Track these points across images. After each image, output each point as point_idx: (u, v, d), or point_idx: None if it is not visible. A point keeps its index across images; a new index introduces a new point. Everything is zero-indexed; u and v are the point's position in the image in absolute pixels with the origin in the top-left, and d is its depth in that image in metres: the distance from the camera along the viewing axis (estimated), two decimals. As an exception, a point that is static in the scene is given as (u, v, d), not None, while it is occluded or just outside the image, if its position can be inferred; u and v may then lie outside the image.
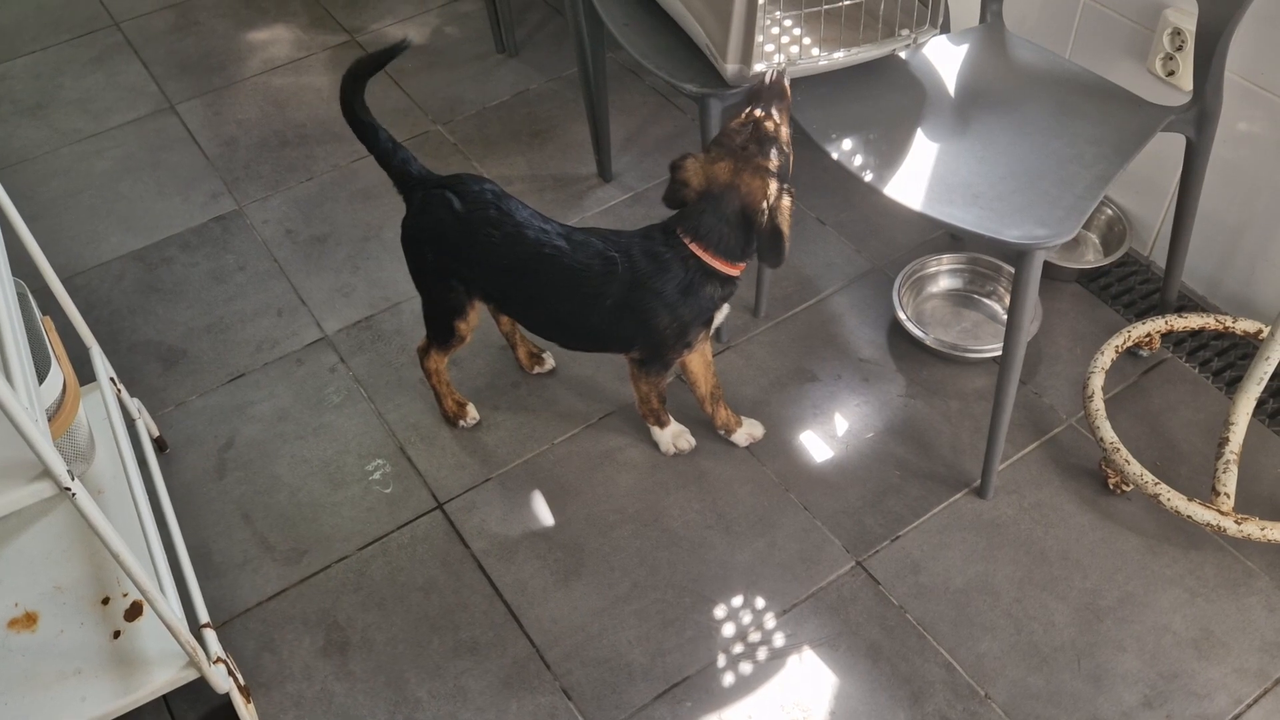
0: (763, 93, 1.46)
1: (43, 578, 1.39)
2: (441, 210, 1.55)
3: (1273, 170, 1.69)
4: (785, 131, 1.46)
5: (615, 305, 1.52)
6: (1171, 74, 1.75)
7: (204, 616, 1.41)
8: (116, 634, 1.34)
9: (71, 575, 1.39)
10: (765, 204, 1.43)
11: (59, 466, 0.99)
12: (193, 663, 1.28)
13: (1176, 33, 1.70)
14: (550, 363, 1.91)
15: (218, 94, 2.60)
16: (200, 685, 1.37)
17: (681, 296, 1.50)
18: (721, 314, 1.58)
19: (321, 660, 1.56)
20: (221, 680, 1.34)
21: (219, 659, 1.36)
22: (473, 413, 1.84)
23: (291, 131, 2.47)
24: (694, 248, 1.49)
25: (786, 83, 1.46)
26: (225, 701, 1.45)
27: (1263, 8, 1.58)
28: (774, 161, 1.44)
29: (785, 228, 1.43)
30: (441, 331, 1.68)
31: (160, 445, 1.82)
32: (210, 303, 2.09)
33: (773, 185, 1.43)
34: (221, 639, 1.43)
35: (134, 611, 1.36)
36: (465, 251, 1.56)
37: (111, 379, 1.63)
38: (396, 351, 1.97)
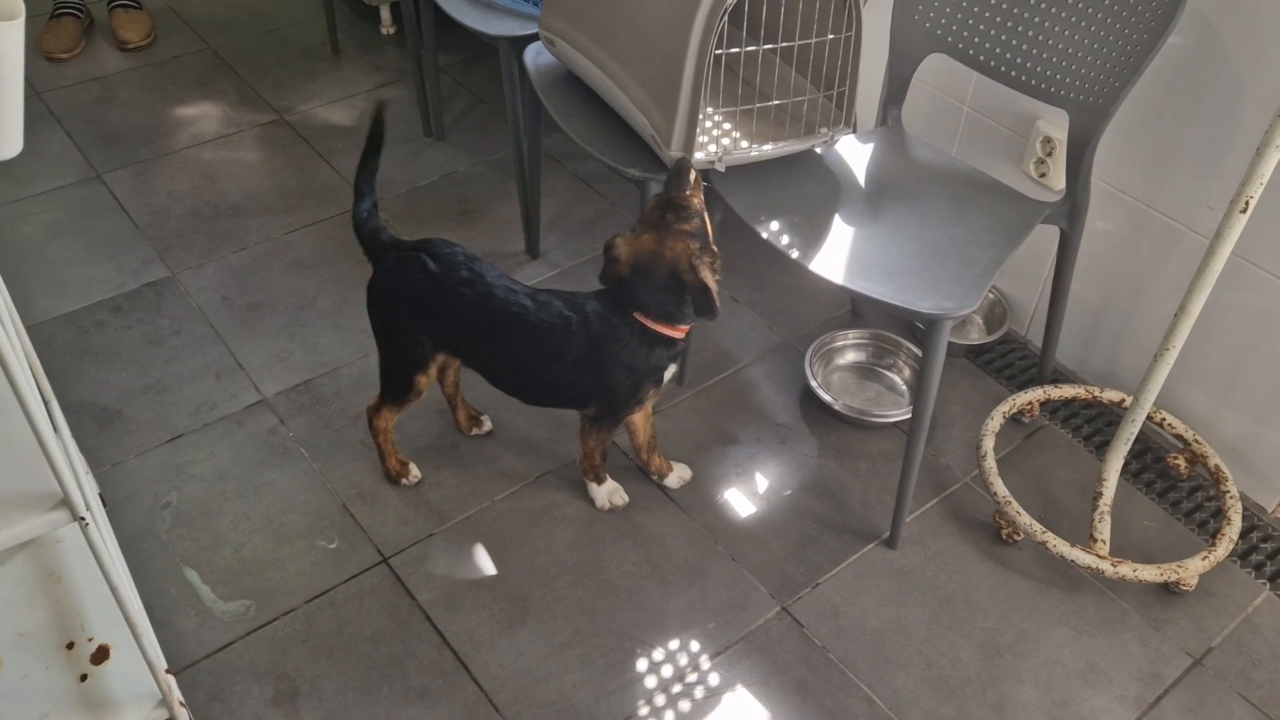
0: (671, 176, 1.63)
1: (4, 625, 1.39)
2: (416, 270, 1.66)
3: (1129, 261, 1.96)
4: (698, 200, 1.63)
5: (574, 362, 1.65)
6: (1043, 175, 2.01)
7: (162, 664, 1.44)
8: (83, 677, 1.36)
9: (34, 622, 1.40)
10: (689, 262, 1.58)
11: (77, 496, 1.05)
12: (165, 703, 1.32)
13: (1047, 140, 1.97)
14: (488, 425, 2.01)
15: (146, 165, 2.64)
16: (159, 731, 1.40)
17: (633, 358, 1.64)
18: (670, 371, 1.72)
19: (272, 709, 1.59)
20: (186, 723, 1.37)
21: (182, 703, 1.38)
22: (415, 471, 1.92)
23: (223, 203, 2.53)
24: (637, 316, 1.63)
25: (691, 166, 1.63)
26: (180, 750, 1.47)
27: (1122, 124, 1.85)
28: (690, 224, 1.60)
29: (710, 282, 1.58)
30: (400, 387, 1.77)
31: (100, 502, 1.83)
32: (146, 365, 2.12)
33: (693, 244, 1.59)
34: (176, 687, 1.46)
35: (100, 655, 1.38)
36: (438, 309, 1.67)
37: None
38: (336, 414, 2.04)
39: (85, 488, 1.05)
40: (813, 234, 1.69)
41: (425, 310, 1.68)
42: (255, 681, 1.62)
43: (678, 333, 1.65)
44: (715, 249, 1.62)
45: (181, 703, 1.38)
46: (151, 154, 2.68)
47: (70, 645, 1.39)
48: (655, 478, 1.93)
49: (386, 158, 2.68)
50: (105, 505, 1.84)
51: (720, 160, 1.70)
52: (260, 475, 1.93)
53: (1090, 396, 2.02)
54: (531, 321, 1.63)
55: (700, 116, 1.77)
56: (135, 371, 2.11)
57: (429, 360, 1.74)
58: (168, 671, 1.42)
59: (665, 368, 1.69)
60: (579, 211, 2.57)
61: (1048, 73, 1.71)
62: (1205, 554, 1.75)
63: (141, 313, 2.24)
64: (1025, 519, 1.79)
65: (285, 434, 2.00)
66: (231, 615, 1.70)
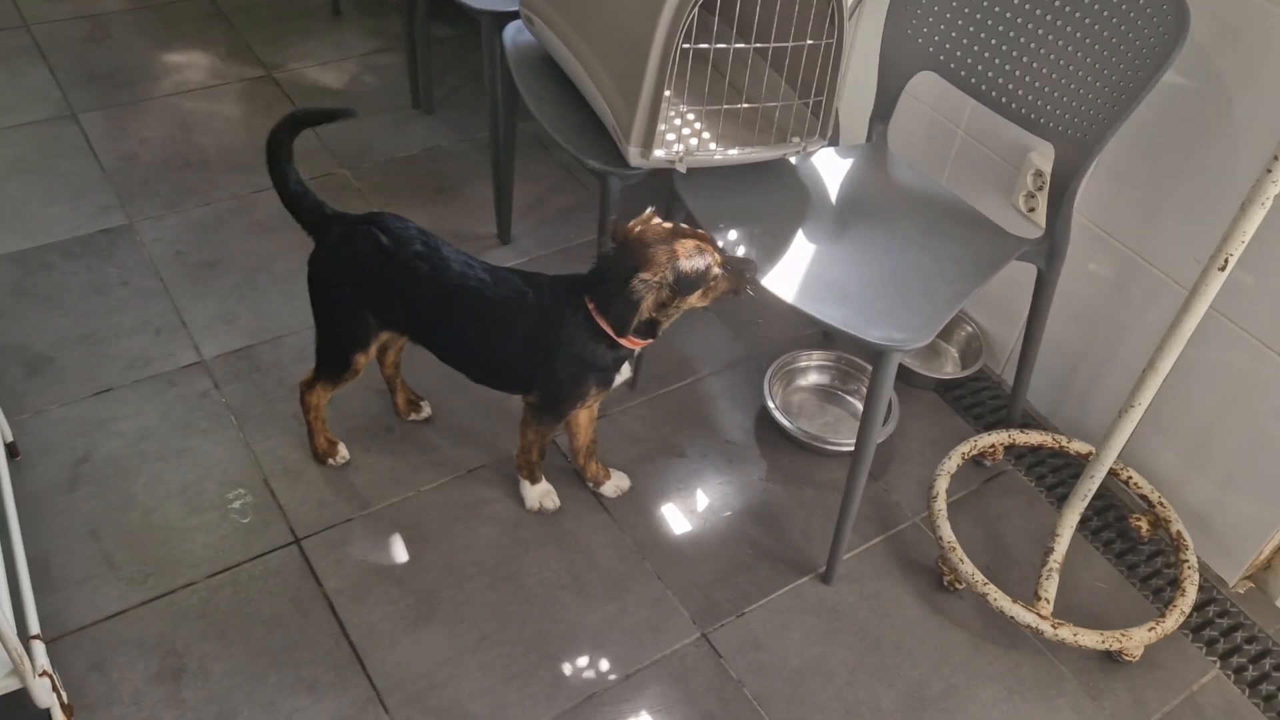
0: (734, 260, 1.52)
1: None
2: (366, 244, 1.58)
3: (1111, 307, 1.86)
4: (722, 281, 1.51)
5: (523, 340, 1.58)
6: (1032, 210, 1.92)
7: (34, 628, 1.37)
8: (-62, 636, 1.29)
9: (-104, 572, 1.34)
10: (654, 278, 1.46)
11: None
12: (16, 671, 1.25)
13: (1038, 173, 1.87)
14: (427, 411, 1.93)
15: (124, 109, 2.58)
16: (21, 699, 1.33)
17: (577, 345, 1.56)
18: (621, 376, 1.64)
19: (153, 686, 1.52)
20: (45, 695, 1.30)
21: (44, 672, 1.31)
22: (343, 452, 1.84)
23: (195, 155, 2.46)
24: (588, 302, 1.55)
25: (753, 271, 1.52)
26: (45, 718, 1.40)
27: (1114, 161, 1.75)
28: (692, 270, 1.47)
29: (644, 307, 1.47)
30: (337, 365, 1.69)
31: (12, 451, 1.77)
32: (87, 313, 2.05)
33: (669, 278, 1.47)
34: (50, 654, 1.39)
35: (-40, 614, 1.31)
36: (387, 283, 1.59)
37: (-29, 376, 1.58)
38: (273, 384, 1.96)
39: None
40: (771, 247, 1.60)
41: (373, 285, 1.61)
42: (141, 655, 1.55)
43: (621, 339, 1.57)
44: (681, 304, 1.51)
45: (44, 672, 1.31)
46: (131, 98, 2.61)
47: (-70, 601, 1.32)
48: (591, 485, 1.85)
49: (369, 125, 2.64)
50: (16, 455, 1.78)
51: (680, 161, 1.61)
52: (184, 439, 1.86)
53: (1057, 446, 1.93)
54: (488, 296, 1.56)
55: (670, 112, 1.69)
56: (75, 319, 2.04)
57: (371, 338, 1.67)
58: (35, 638, 1.35)
59: (610, 369, 1.61)
60: (557, 199, 2.48)
61: (1036, 101, 1.62)
62: (1153, 625, 1.66)
63: (92, 259, 2.17)
64: (968, 567, 1.70)
65: (217, 399, 1.93)
66: (127, 582, 1.64)
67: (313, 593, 1.66)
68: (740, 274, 1.52)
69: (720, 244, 1.52)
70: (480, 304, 1.58)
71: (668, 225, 1.52)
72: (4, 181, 2.32)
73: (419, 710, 1.53)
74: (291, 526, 1.74)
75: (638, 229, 1.52)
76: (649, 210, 1.56)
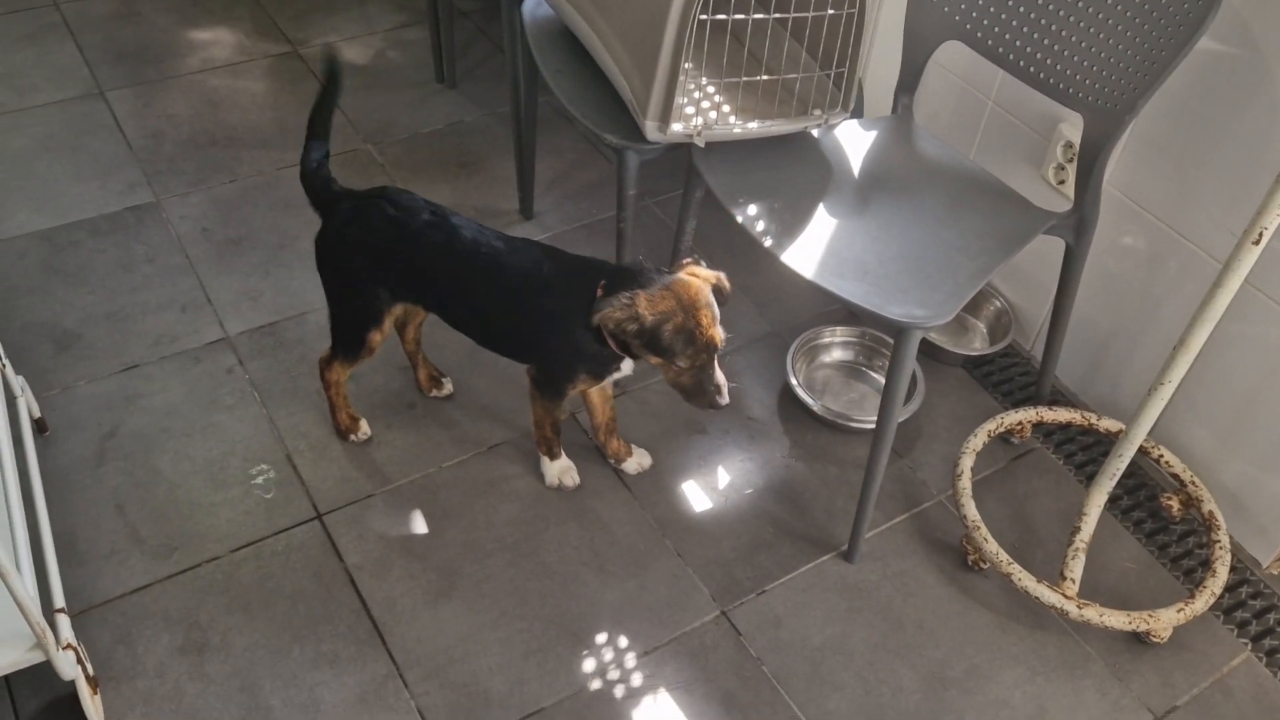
0: (704, 373, 1.53)
1: (-107, 545, 1.35)
2: (375, 218, 1.59)
3: (1145, 281, 1.82)
4: (684, 375, 1.52)
5: (530, 310, 1.58)
6: (1062, 182, 1.87)
7: (59, 601, 1.39)
8: (-36, 609, 1.31)
9: (-76, 546, 1.36)
10: (634, 308, 1.44)
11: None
12: (40, 645, 1.26)
13: (1069, 145, 1.83)
14: (448, 388, 1.93)
15: (150, 86, 2.59)
16: (46, 671, 1.35)
17: (574, 332, 1.55)
18: (620, 372, 1.63)
19: (177, 659, 1.54)
20: (69, 667, 1.32)
21: (69, 645, 1.33)
22: (365, 428, 1.85)
23: (221, 132, 2.47)
24: (600, 289, 1.54)
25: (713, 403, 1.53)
26: (71, 691, 1.42)
27: (1146, 131, 1.71)
28: (673, 338, 1.46)
29: (610, 322, 1.45)
30: (352, 343, 1.70)
31: (40, 426, 1.79)
32: (113, 290, 2.07)
33: (647, 321, 1.44)
34: (76, 628, 1.41)
35: (-15, 588, 1.33)
36: (399, 255, 1.60)
37: (-3, 353, 1.60)
38: (297, 360, 1.97)
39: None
40: (792, 222, 1.58)
41: (385, 259, 1.61)
42: (165, 628, 1.57)
43: (616, 350, 1.56)
44: (641, 352, 1.50)
45: (69, 645, 1.33)
46: (158, 75, 2.62)
47: (-44, 575, 1.34)
48: (613, 461, 1.84)
49: (392, 100, 2.63)
50: (45, 430, 1.80)
51: (699, 135, 1.59)
52: (209, 415, 1.87)
53: (1086, 423, 1.89)
54: (502, 262, 1.56)
55: (689, 85, 1.67)
56: (102, 296, 2.06)
57: (384, 314, 1.67)
58: (60, 611, 1.37)
59: (600, 363, 1.60)
60: (581, 174, 2.47)
61: (1066, 70, 1.57)
62: (1182, 605, 1.63)
63: (119, 236, 2.19)
64: (993, 547, 1.67)
65: (242, 375, 1.94)
66: (153, 556, 1.65)
67: (334, 568, 1.67)
68: (702, 390, 1.51)
69: (720, 348, 1.50)
70: (493, 269, 1.58)
71: (699, 291, 1.47)
72: (33, 160, 2.34)
73: (439, 685, 1.54)
74: (314, 502, 1.75)
75: (684, 275, 1.48)
76: (694, 259, 1.53)
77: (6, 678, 1.47)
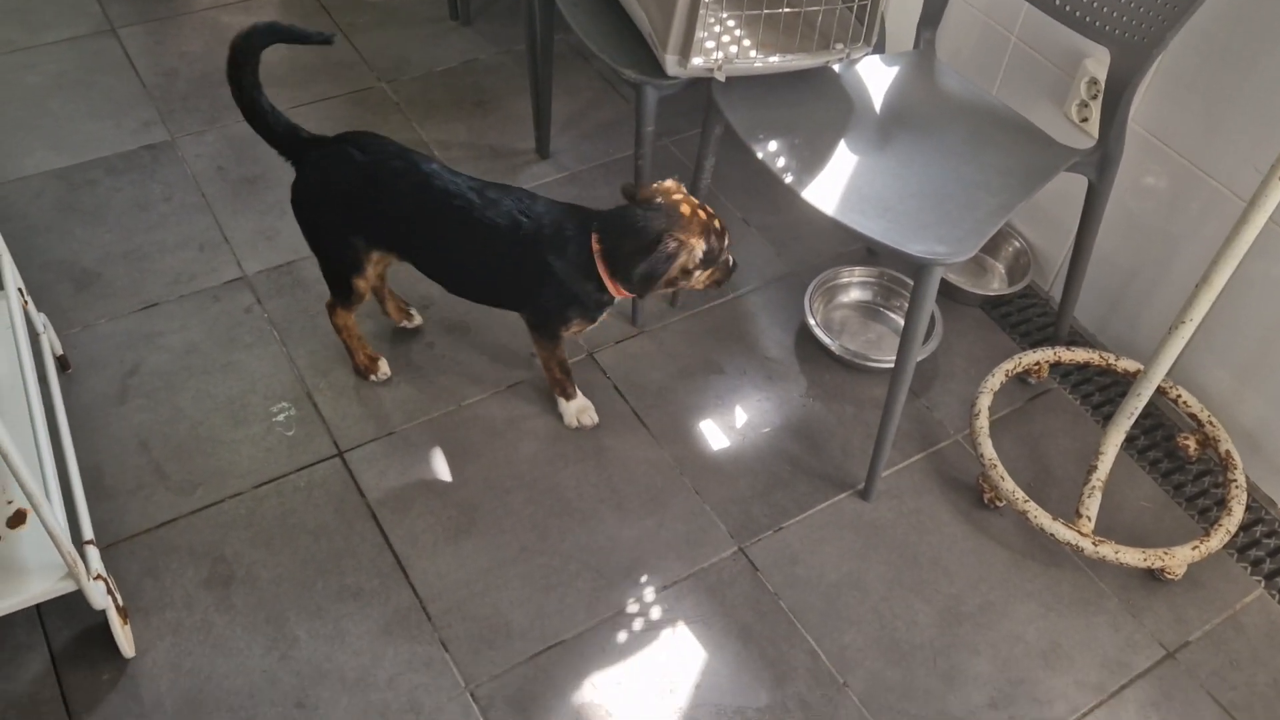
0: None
1: (-74, 479, 1.38)
2: (343, 164, 1.57)
3: (1166, 221, 1.80)
4: (719, 270, 1.62)
5: (514, 264, 1.57)
6: (1085, 120, 1.85)
7: (88, 534, 1.41)
8: (-4, 540, 1.33)
9: (-45, 479, 1.38)
10: (687, 247, 1.51)
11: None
12: (71, 574, 1.29)
13: (1093, 81, 1.80)
14: (418, 319, 1.94)
15: (163, 23, 2.57)
16: (77, 603, 1.38)
17: (568, 280, 1.57)
18: (603, 315, 1.67)
19: (204, 591, 1.57)
20: (99, 597, 1.35)
21: (99, 576, 1.36)
22: (384, 368, 1.86)
23: (234, 70, 2.45)
24: (594, 238, 1.55)
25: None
26: (100, 622, 1.46)
27: (1172, 67, 1.68)
28: (713, 248, 1.55)
29: (674, 265, 1.51)
30: (342, 289, 1.70)
31: (63, 364, 1.81)
32: (131, 229, 2.07)
33: (699, 250, 1.53)
34: (105, 560, 1.43)
35: (17, 519, 1.36)
36: (370, 202, 1.58)
37: (20, 290, 1.61)
38: (315, 299, 1.98)
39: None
40: (812, 159, 1.57)
41: (356, 206, 1.59)
42: (192, 561, 1.60)
43: (611, 287, 1.58)
44: (692, 277, 1.58)
45: (99, 576, 1.36)
46: (170, 12, 2.60)
47: (-11, 506, 1.36)
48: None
49: (407, 36, 2.60)
50: (68, 369, 1.82)
51: (719, 69, 1.57)
52: (229, 354, 1.88)
53: (1104, 363, 1.89)
54: (475, 218, 1.55)
55: (709, 18, 1.65)
56: (120, 235, 2.06)
57: (364, 262, 1.66)
58: (89, 543, 1.39)
59: (593, 305, 1.62)
60: (597, 113, 2.44)
61: (1092, 3, 1.54)
62: (1197, 543, 1.64)
63: (135, 175, 2.19)
64: (1009, 485, 1.68)
65: (260, 314, 1.95)
66: (177, 492, 1.68)
67: (356, 504, 1.69)
68: (727, 268, 1.63)
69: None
70: (466, 225, 1.56)
71: (693, 199, 1.56)
72: (46, 98, 2.33)
73: (460, 617, 1.56)
74: (335, 439, 1.77)
75: (675, 195, 1.55)
76: (674, 180, 1.58)
77: (39, 609, 1.50)
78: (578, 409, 1.81)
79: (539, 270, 1.57)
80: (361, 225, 1.61)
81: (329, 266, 1.70)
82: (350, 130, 1.62)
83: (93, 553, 1.38)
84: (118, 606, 1.41)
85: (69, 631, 1.50)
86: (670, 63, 1.57)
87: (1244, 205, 1.39)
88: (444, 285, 1.71)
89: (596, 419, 1.82)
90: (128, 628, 1.46)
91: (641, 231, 1.51)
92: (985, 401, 1.79)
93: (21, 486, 1.14)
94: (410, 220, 1.59)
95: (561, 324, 1.65)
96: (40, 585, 1.30)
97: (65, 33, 2.50)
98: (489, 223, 1.55)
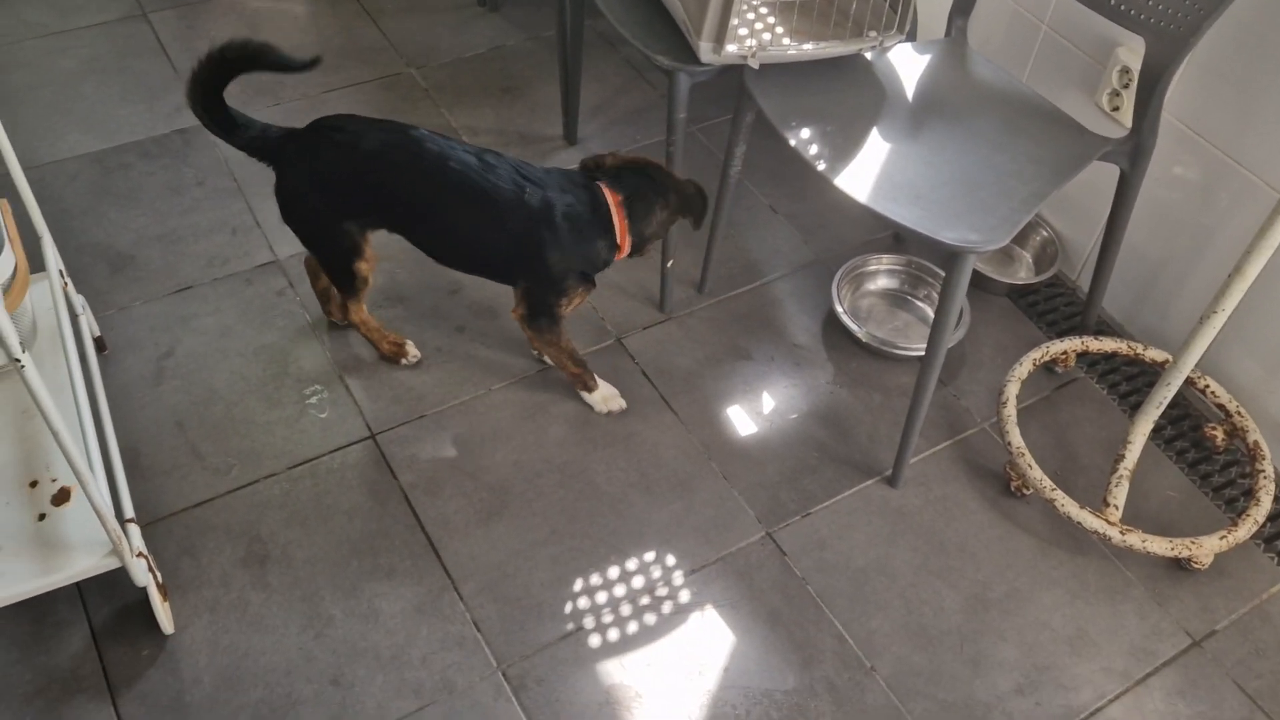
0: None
1: (-30, 457, 1.40)
2: (325, 149, 1.56)
3: (1197, 212, 1.80)
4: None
5: (515, 232, 1.58)
6: (1116, 109, 1.85)
7: (129, 512, 1.44)
8: (41, 517, 1.36)
9: (1, 456, 1.40)
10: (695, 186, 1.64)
11: (12, 338, 1.02)
12: (115, 551, 1.31)
13: (1125, 70, 1.80)
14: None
15: (193, 8, 2.58)
16: (117, 580, 1.40)
17: (574, 239, 1.59)
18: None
19: (240, 570, 1.59)
20: (141, 574, 1.37)
21: (140, 553, 1.38)
22: (413, 350, 1.87)
23: (264, 55, 2.46)
24: (609, 194, 1.60)
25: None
26: (139, 599, 1.48)
27: (1207, 57, 1.68)
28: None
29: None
30: (345, 280, 1.71)
31: (100, 345, 1.83)
32: (164, 213, 2.10)
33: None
34: (144, 539, 1.45)
35: (61, 497, 1.38)
36: (356, 183, 1.57)
37: (60, 271, 1.63)
38: (346, 283, 1.99)
39: (9, 336, 1.02)
40: (845, 146, 1.57)
41: (343, 190, 1.58)
42: (229, 541, 1.62)
43: (623, 242, 1.63)
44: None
45: (140, 553, 1.38)
46: (200, -3, 2.62)
47: (34, 484, 1.39)
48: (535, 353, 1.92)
49: (434, 22, 2.61)
50: (105, 350, 1.84)
51: (753, 57, 1.58)
52: (262, 336, 1.90)
53: (1132, 353, 1.89)
54: (474, 182, 1.54)
55: (743, 6, 1.65)
56: (153, 218, 2.09)
57: (362, 245, 1.66)
58: (130, 521, 1.42)
59: (596, 268, 1.66)
60: (625, 100, 2.45)
61: (1129, -8, 1.54)
62: (1224, 533, 1.64)
63: (168, 159, 2.21)
64: (1036, 473, 1.69)
65: (293, 297, 1.97)
66: (213, 472, 1.70)
67: (389, 485, 1.71)
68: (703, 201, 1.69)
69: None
70: (465, 190, 1.55)
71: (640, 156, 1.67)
72: (79, 82, 2.36)
73: (491, 598, 1.58)
74: (367, 422, 1.79)
75: (628, 158, 1.67)
76: (614, 152, 1.68)
77: (79, 586, 1.53)
78: (604, 397, 1.82)
79: (544, 233, 1.57)
80: (354, 207, 1.61)
81: (329, 259, 1.71)
82: (323, 116, 1.61)
83: (134, 530, 1.40)
84: (158, 584, 1.44)
85: (109, 608, 1.52)
86: (704, 50, 1.57)
87: (1277, 196, 1.39)
88: (439, 257, 1.70)
89: (624, 404, 1.83)
90: (167, 605, 1.48)
91: (659, 183, 1.64)
92: (1013, 390, 1.80)
93: (70, 463, 1.17)
94: (406, 190, 1.58)
95: (560, 296, 1.65)
96: (85, 561, 1.32)
97: (97, 17, 2.52)
98: (490, 186, 1.54)
